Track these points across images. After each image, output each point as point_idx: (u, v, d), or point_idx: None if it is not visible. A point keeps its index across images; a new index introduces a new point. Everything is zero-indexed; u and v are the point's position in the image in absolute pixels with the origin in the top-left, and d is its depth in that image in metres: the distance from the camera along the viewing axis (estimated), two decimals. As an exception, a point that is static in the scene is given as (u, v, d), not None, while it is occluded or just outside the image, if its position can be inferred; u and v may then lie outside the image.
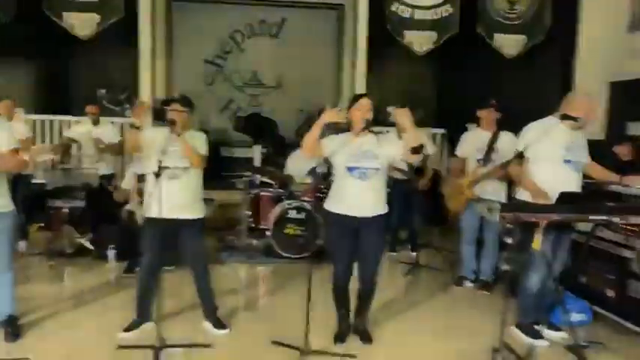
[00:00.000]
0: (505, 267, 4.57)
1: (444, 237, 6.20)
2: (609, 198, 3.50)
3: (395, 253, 5.44)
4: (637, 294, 3.44)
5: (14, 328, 3.22)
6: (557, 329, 3.46)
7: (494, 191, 4.22)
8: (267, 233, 5.24)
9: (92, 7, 6.04)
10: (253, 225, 5.58)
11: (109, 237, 4.93)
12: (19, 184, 4.54)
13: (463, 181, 4.42)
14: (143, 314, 3.35)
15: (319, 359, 3.02)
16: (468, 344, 3.32)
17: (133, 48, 6.61)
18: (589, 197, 3.38)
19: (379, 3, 6.44)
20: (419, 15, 6.53)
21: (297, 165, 5.63)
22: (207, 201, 3.66)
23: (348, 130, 3.19)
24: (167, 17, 8.02)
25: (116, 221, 5.07)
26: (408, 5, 6.48)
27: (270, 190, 5.60)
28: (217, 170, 6.93)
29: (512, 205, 3.09)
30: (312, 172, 5.35)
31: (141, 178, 4.43)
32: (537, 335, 3.32)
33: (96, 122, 5.60)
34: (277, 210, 5.22)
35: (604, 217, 3.06)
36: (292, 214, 5.15)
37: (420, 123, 5.48)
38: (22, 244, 5.00)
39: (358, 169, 3.10)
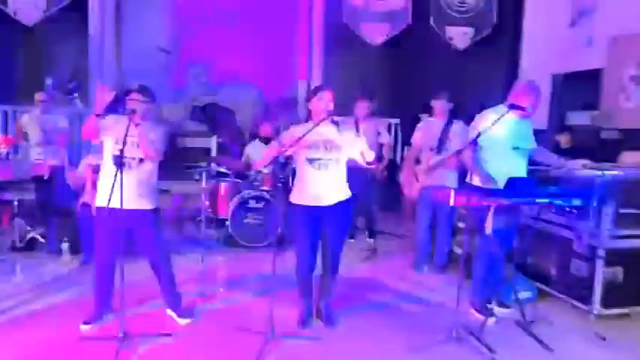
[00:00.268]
0: (458, 250, 4.81)
1: (400, 223, 6.41)
2: (553, 183, 3.74)
3: (353, 240, 5.58)
4: (578, 272, 3.71)
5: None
6: (507, 307, 3.68)
7: (448, 178, 4.41)
8: (227, 223, 5.25)
9: (37, -9, 5.80)
10: (212, 215, 5.57)
11: (62, 230, 4.80)
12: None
13: (418, 169, 4.60)
14: (103, 306, 3.32)
15: (285, 344, 3.09)
16: (425, 323, 3.49)
17: (81, 35, 6.39)
18: (534, 182, 3.61)
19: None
20: (373, 6, 6.65)
21: (258, 155, 5.64)
22: (163, 192, 3.61)
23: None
24: (116, 2, 7.76)
25: (69, 213, 4.93)
26: (362, -4, 6.59)
27: (228, 180, 5.59)
28: (172, 161, 6.81)
29: (464, 190, 3.25)
30: (273, 160, 5.37)
31: (96, 169, 4.33)
32: (489, 313, 3.52)
33: (46, 111, 5.38)
34: (236, 200, 5.24)
35: (548, 200, 3.30)
36: (252, 203, 5.18)
37: (375, 113, 5.68)
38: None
39: (318, 160, 3.18)
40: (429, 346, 3.10)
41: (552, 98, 6.84)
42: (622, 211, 3.46)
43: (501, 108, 3.44)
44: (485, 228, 3.33)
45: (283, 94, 8.15)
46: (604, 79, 5.97)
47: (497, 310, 3.61)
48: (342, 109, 4.17)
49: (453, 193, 3.23)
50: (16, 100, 6.66)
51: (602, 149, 5.32)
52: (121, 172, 2.94)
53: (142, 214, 3.25)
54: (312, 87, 3.55)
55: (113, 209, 2.91)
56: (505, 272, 3.55)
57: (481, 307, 3.60)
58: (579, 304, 3.70)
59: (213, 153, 6.76)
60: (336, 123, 3.27)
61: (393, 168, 6.22)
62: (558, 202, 3.36)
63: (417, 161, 4.68)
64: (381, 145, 5.45)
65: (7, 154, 5.05)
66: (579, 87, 6.36)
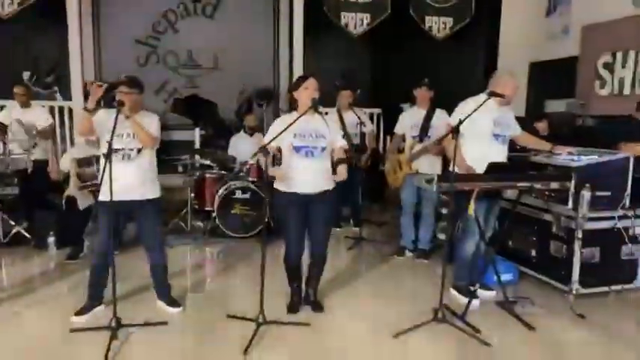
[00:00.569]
0: (441, 236, 4.92)
1: (384, 211, 6.51)
2: (532, 168, 3.85)
3: (339, 229, 5.64)
4: (557, 253, 3.84)
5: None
6: (489, 289, 3.80)
7: (431, 165, 4.49)
8: (213, 215, 5.28)
9: (12, -17, 5.68)
10: (197, 207, 5.58)
11: (48, 224, 4.77)
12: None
13: (401, 157, 4.68)
14: (95, 297, 3.34)
15: (274, 329, 3.15)
16: (410, 306, 3.57)
17: (59, 27, 6.29)
18: (514, 167, 3.72)
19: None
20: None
21: (243, 148, 5.68)
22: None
23: None
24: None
25: (54, 207, 4.90)
26: (342, -14, 6.60)
27: (214, 172, 5.60)
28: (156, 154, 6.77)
29: (447, 176, 3.33)
30: (262, 150, 5.40)
31: (81, 163, 4.32)
32: (472, 295, 3.63)
33: (25, 105, 5.30)
34: (223, 191, 5.26)
35: (528, 184, 3.41)
36: (238, 194, 5.21)
37: (357, 103, 5.73)
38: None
39: (305, 148, 3.23)
40: (415, 328, 3.19)
41: (530, 86, 7.00)
42: (598, 193, 3.59)
43: (482, 96, 3.52)
44: (467, 213, 3.42)
45: (264, 84, 8.14)
46: (579, 66, 6.12)
47: (480, 292, 3.72)
48: (323, 99, 4.23)
49: (435, 179, 3.31)
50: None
51: (578, 136, 5.47)
52: (119, 165, 3.05)
53: (145, 204, 3.28)
54: (297, 76, 3.57)
55: (115, 201, 2.96)
56: (487, 255, 3.66)
57: (465, 289, 3.71)
58: (559, 285, 3.83)
59: (197, 145, 6.72)
60: (320, 114, 3.33)
61: (377, 157, 6.29)
62: (537, 185, 3.47)
63: (400, 150, 4.76)
64: (363, 135, 5.51)
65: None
66: (556, 75, 6.52)
